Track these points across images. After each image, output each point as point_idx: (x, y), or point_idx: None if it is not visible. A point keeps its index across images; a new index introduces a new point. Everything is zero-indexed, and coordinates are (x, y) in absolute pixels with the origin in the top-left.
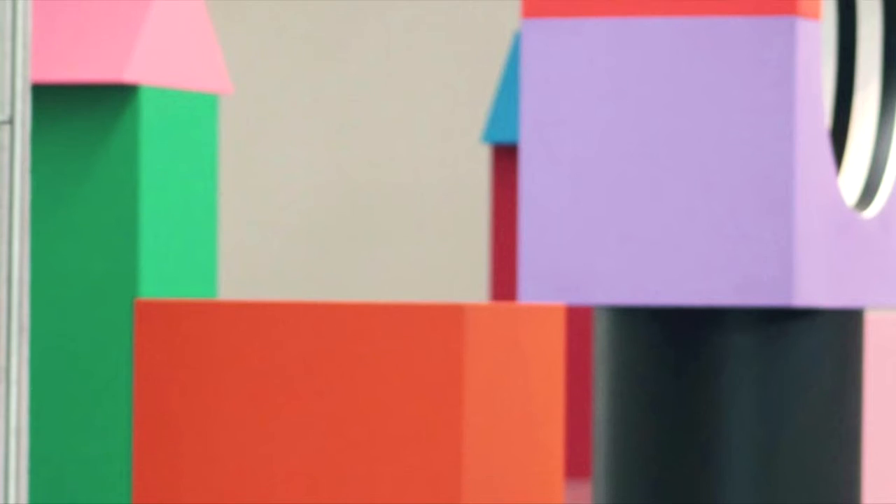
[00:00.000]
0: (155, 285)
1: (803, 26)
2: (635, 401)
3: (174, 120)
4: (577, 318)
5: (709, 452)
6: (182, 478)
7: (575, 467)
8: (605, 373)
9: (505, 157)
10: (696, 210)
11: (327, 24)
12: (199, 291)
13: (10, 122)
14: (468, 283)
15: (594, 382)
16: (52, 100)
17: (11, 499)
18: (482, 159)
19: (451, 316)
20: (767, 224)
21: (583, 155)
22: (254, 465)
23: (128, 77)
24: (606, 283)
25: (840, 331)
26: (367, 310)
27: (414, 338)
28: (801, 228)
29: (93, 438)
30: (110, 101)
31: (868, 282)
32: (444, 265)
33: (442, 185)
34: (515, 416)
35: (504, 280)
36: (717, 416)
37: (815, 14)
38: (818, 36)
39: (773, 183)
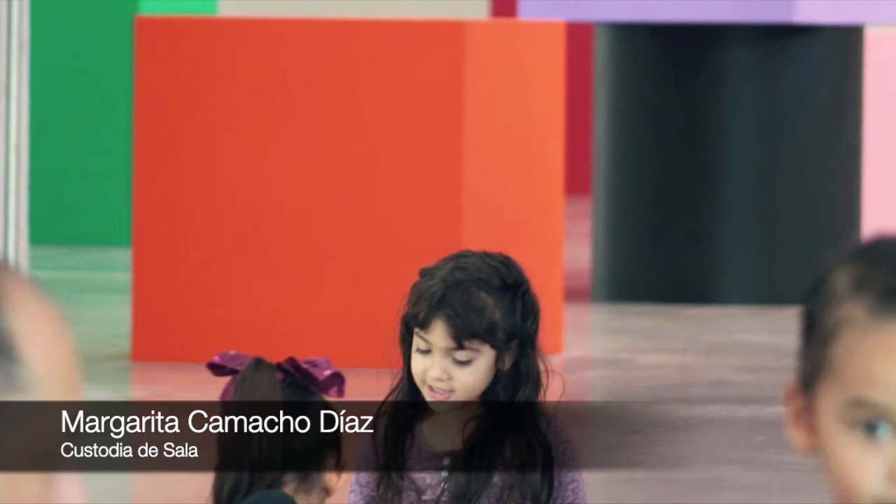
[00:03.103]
0: (155, 1)
1: None
2: (635, 117)
3: None
4: (578, 34)
5: (709, 167)
6: (181, 193)
7: (575, 183)
8: (605, 89)
9: None
10: None
11: None
12: (199, 8)
13: None
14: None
15: (594, 99)
16: None
17: (12, 213)
18: None
19: (450, 32)
20: None
21: None
22: (253, 178)
23: None
24: None
25: (840, 47)
26: (368, 26)
27: (414, 54)
28: None
29: (93, 154)
30: None
31: None
32: None
33: None
34: (516, 132)
35: None
36: (717, 131)
37: None
38: None
39: None
